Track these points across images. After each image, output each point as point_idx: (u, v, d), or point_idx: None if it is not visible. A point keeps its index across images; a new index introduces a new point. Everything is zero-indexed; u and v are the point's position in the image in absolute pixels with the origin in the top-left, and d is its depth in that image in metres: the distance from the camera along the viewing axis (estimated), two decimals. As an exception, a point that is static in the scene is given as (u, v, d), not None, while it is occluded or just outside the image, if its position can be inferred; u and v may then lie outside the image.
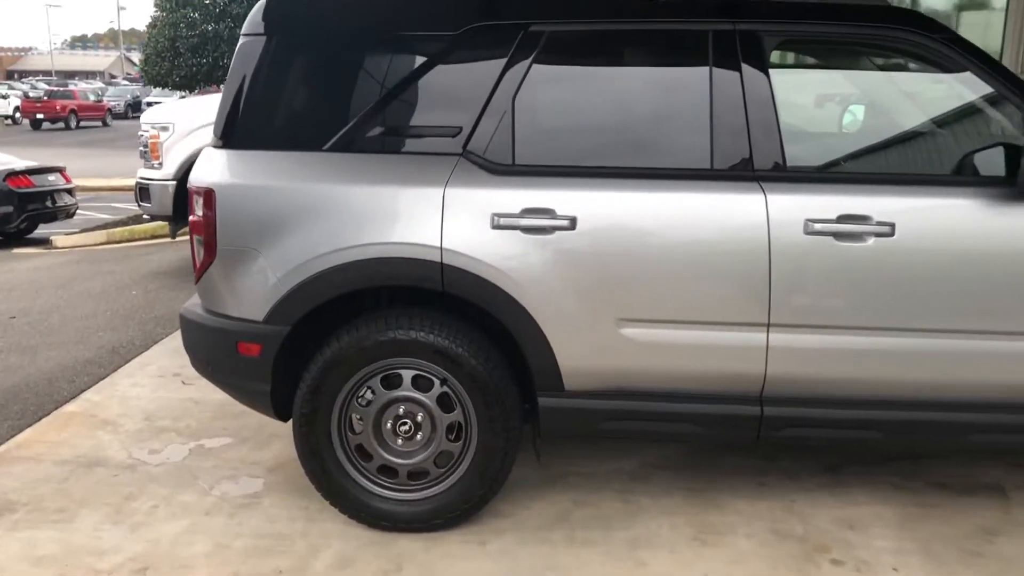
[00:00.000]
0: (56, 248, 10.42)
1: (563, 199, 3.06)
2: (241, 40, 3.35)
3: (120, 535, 3.33)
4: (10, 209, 10.69)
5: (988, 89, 3.09)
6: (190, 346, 3.51)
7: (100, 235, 10.79)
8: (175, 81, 15.57)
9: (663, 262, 3.05)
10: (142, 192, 7.61)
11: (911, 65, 3.33)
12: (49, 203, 11.22)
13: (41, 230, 11.36)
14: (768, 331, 3.06)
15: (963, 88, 3.18)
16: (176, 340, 5.22)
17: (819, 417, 3.14)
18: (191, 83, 16.46)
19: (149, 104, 23.38)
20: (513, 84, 3.15)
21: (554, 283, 3.06)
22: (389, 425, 3.26)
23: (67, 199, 11.54)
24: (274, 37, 3.28)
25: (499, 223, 3.05)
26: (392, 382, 3.24)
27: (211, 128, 3.45)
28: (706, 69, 3.11)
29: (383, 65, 3.33)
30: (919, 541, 3.27)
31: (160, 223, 9.13)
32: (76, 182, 12.24)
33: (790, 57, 3.36)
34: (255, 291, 3.21)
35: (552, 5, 3.21)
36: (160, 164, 7.40)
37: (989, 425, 3.11)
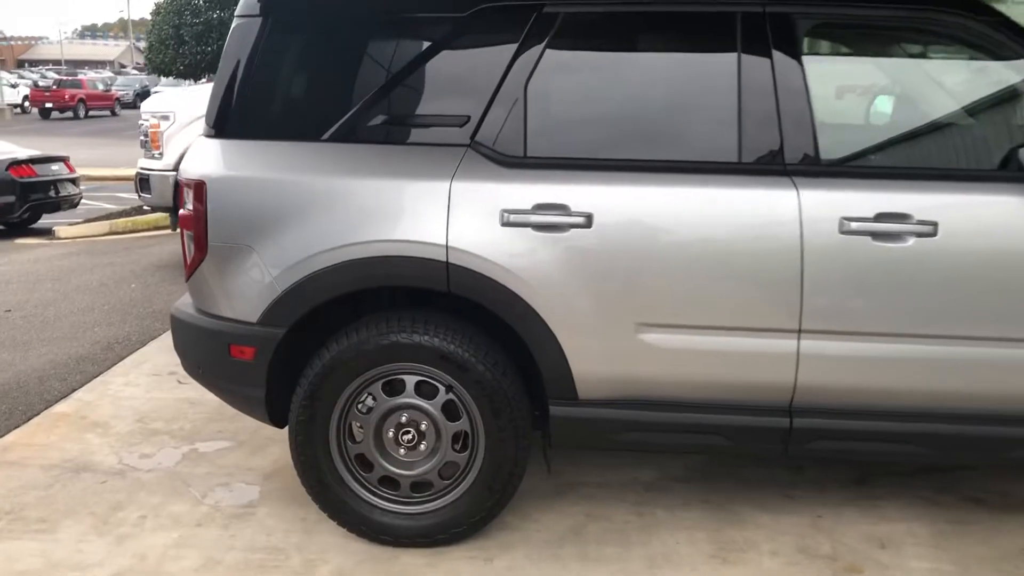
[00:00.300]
0: (58, 239, 10.25)
1: (578, 194, 2.85)
2: (235, 22, 3.13)
3: (105, 548, 3.13)
4: (12, 199, 10.52)
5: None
6: (181, 348, 3.31)
7: (102, 226, 10.62)
8: (179, 70, 15.36)
9: (685, 263, 2.84)
10: (142, 183, 7.43)
11: (956, 51, 3.10)
12: (52, 193, 11.06)
13: (45, 220, 11.19)
14: (799, 337, 2.84)
15: (1014, 76, 2.94)
16: (173, 337, 5.02)
17: (851, 430, 2.93)
18: (195, 72, 16.23)
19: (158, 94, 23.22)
20: (525, 70, 2.93)
21: (568, 284, 2.85)
22: (391, 434, 3.06)
23: (70, 189, 11.38)
24: (270, 18, 3.07)
25: (509, 220, 2.84)
26: (394, 388, 3.04)
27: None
28: (734, 55, 2.89)
29: (386, 49, 3.12)
30: (956, 562, 3.05)
31: (162, 214, 8.95)
32: (82, 171, 12.09)
33: (825, 42, 3.13)
34: (249, 290, 3.01)
35: (568, -16, 2.99)
36: (161, 154, 7.22)
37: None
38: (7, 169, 10.47)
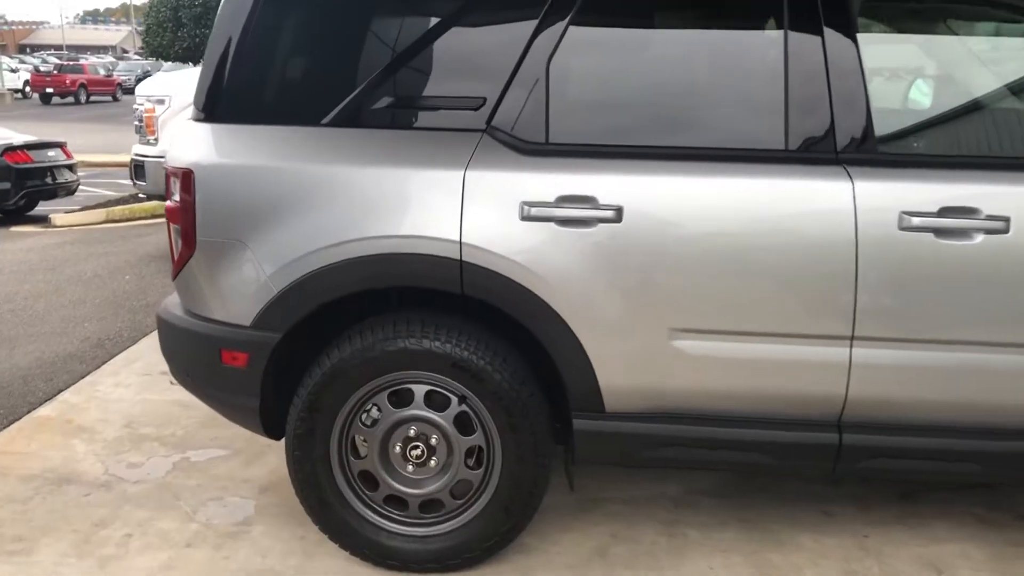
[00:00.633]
0: (54, 227, 9.97)
1: (607, 185, 2.55)
2: (227, -6, 2.84)
3: (84, 572, 2.86)
4: (7, 186, 10.25)
5: None
6: (168, 352, 3.03)
7: (99, 214, 10.34)
8: (177, 53, 15.03)
9: (725, 262, 2.55)
10: (137, 169, 7.15)
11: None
12: (49, 179, 10.79)
13: (41, 207, 10.91)
14: (851, 345, 2.55)
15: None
16: (166, 334, 4.73)
17: (907, 447, 2.64)
18: (194, 55, 15.88)
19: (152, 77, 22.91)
20: (548, 46, 2.63)
21: (595, 285, 2.56)
22: (398, 449, 2.78)
23: (68, 175, 11.10)
24: (265, -10, 2.77)
25: (530, 213, 2.55)
26: (402, 399, 2.76)
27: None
28: (780, 32, 2.59)
29: (393, 23, 2.82)
30: (1018, 590, 2.78)
31: (160, 202, 8.66)
32: (82, 157, 11.82)
33: (881, 17, 2.82)
34: (241, 291, 2.73)
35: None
36: (156, 139, 6.94)
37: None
38: (2, 155, 10.21)
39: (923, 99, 3.01)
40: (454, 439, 2.75)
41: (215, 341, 2.79)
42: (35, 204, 10.94)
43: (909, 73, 3.09)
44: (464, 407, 2.73)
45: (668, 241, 2.55)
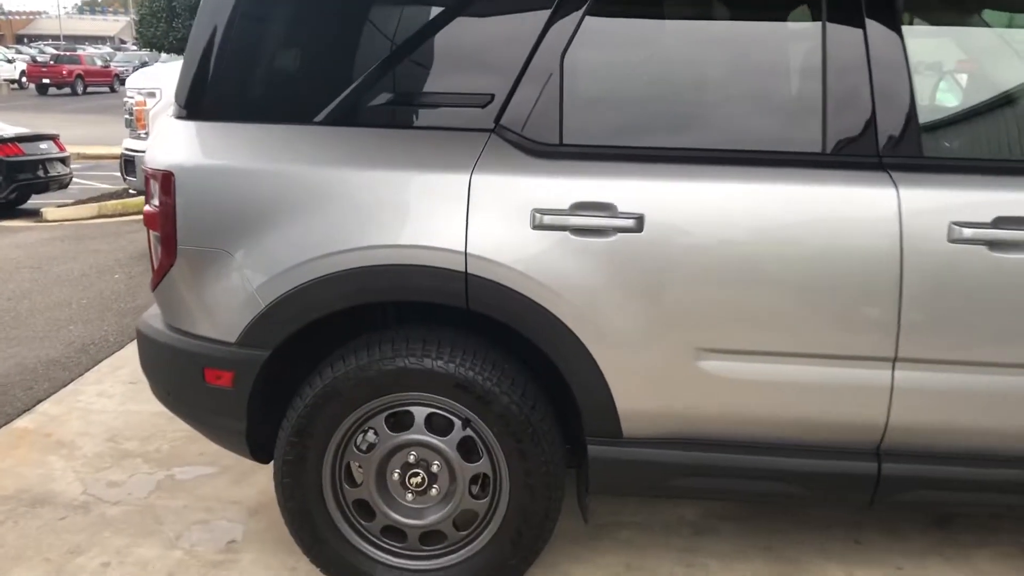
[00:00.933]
0: (45, 221, 9.74)
1: (626, 191, 2.33)
2: (211, -20, 2.60)
3: (57, 608, 2.65)
4: (-2, 179, 10.02)
5: None
6: (148, 369, 2.81)
7: (91, 208, 10.10)
8: (171, 43, 14.76)
9: (757, 276, 2.32)
10: (127, 164, 6.93)
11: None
12: (41, 173, 10.55)
13: (34, 201, 10.67)
14: (894, 367, 2.33)
15: None
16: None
17: (952, 478, 2.42)
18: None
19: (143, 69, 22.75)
20: (561, 39, 2.40)
21: (613, 301, 2.34)
22: (396, 476, 2.56)
23: (60, 168, 10.87)
24: (252, -24, 2.54)
25: (542, 222, 2.32)
26: (401, 422, 2.54)
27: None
28: (818, 24, 2.36)
29: (393, 13, 2.58)
30: (1072, 632, 2.56)
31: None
32: (77, 149, 11.57)
33: (927, 10, 2.59)
34: (226, 304, 2.50)
35: (613, -64, 2.45)
36: (147, 133, 6.70)
37: None
38: (-7, 148, 9.97)
39: (976, 98, 2.78)
40: (457, 466, 2.53)
41: (198, 358, 2.56)
42: (27, 198, 10.70)
43: (959, 70, 2.85)
44: (468, 431, 2.51)
45: (693, 253, 2.32)
